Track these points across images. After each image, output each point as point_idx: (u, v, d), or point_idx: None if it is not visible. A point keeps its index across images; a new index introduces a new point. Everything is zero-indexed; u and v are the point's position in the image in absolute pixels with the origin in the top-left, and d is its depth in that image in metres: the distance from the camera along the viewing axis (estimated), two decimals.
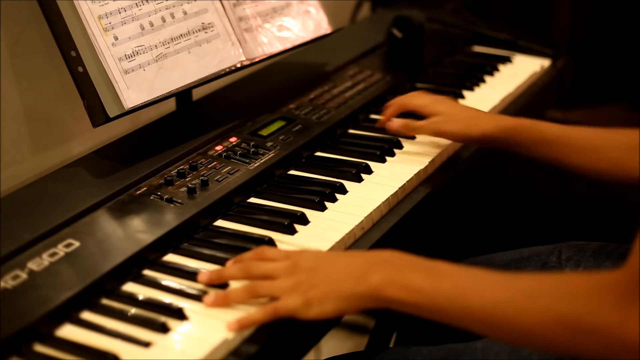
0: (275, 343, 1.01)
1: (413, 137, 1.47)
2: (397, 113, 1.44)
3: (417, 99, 1.41)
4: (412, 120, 1.40)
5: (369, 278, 0.97)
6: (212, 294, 1.02)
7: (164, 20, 1.37)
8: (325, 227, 1.19)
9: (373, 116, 1.58)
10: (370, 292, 0.97)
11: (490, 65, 1.80)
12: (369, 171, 1.36)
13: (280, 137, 1.40)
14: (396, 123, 1.40)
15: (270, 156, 1.34)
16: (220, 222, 1.21)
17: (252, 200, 1.28)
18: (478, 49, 1.94)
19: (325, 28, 1.63)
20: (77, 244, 1.09)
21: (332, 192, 1.28)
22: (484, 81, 1.75)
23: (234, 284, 1.05)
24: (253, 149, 1.35)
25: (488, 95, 1.68)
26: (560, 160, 1.29)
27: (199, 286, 1.05)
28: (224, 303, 1.01)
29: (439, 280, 0.95)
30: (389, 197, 1.28)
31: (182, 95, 1.46)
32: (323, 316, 0.99)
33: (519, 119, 1.34)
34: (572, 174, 1.33)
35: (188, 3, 1.40)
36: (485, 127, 1.32)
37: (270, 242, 1.14)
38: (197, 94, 1.51)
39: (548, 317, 0.87)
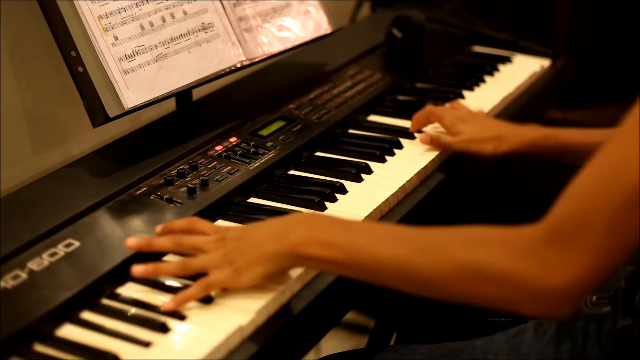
0: (275, 343, 1.01)
1: (413, 137, 1.47)
2: (426, 124, 1.48)
3: (445, 119, 1.44)
4: (441, 136, 1.43)
5: (289, 237, 1.00)
6: (143, 265, 1.04)
7: (164, 20, 1.37)
8: None
9: (373, 116, 1.58)
10: (291, 250, 1.00)
11: (490, 65, 1.80)
12: (369, 171, 1.36)
13: (280, 137, 1.40)
14: (426, 138, 1.43)
15: (270, 156, 1.34)
16: (220, 222, 1.21)
17: (252, 200, 1.28)
18: (478, 49, 1.94)
19: (325, 28, 1.63)
20: (77, 244, 1.09)
21: (332, 192, 1.28)
22: (484, 81, 1.75)
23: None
24: (253, 149, 1.35)
25: (488, 95, 1.68)
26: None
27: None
28: (153, 274, 1.04)
29: (355, 235, 0.97)
30: (389, 197, 1.28)
31: (182, 95, 1.46)
32: (253, 282, 1.02)
33: (542, 130, 1.36)
34: (572, 174, 1.33)
35: (188, 3, 1.40)
36: (511, 145, 1.36)
37: None
38: (197, 94, 1.51)
39: (454, 266, 0.89)
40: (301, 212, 1.05)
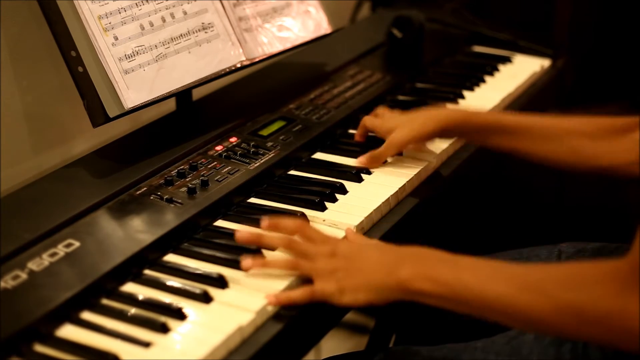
0: (275, 343, 1.01)
1: None
2: (366, 134, 1.44)
3: (371, 122, 1.41)
4: (373, 150, 1.37)
5: (399, 272, 1.02)
6: (251, 258, 1.08)
7: (164, 20, 1.37)
8: (326, 228, 1.19)
9: None
10: (399, 285, 1.02)
11: (490, 65, 1.80)
12: (369, 171, 1.36)
13: (280, 137, 1.40)
14: (362, 160, 1.37)
15: (270, 156, 1.34)
16: (220, 222, 1.21)
17: (252, 200, 1.28)
18: (478, 49, 1.93)
19: (325, 28, 1.63)
20: (77, 244, 1.09)
21: (332, 192, 1.27)
22: (484, 81, 1.75)
23: None
24: (253, 149, 1.35)
25: (488, 95, 1.68)
26: (518, 150, 1.31)
27: (200, 286, 1.05)
28: (261, 267, 1.08)
29: (461, 272, 1.00)
30: (389, 198, 1.28)
31: (182, 95, 1.46)
32: (354, 304, 1.05)
33: (475, 109, 1.37)
34: (572, 175, 1.33)
35: (188, 3, 1.40)
36: (439, 122, 1.34)
37: None
38: (197, 94, 1.51)
39: (556, 307, 0.92)
40: (410, 246, 1.08)
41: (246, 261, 1.08)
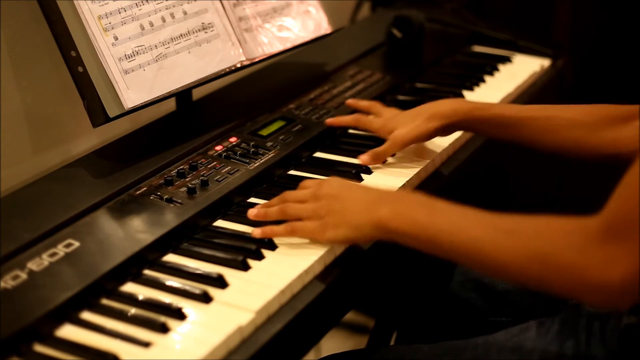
0: (275, 343, 1.01)
1: None
2: (349, 126, 1.46)
3: (373, 123, 1.42)
4: (376, 149, 1.37)
5: (379, 211, 1.07)
6: (256, 208, 1.19)
7: (164, 20, 1.37)
8: None
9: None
10: (378, 222, 1.07)
11: (490, 65, 1.80)
12: (368, 171, 1.36)
13: (280, 137, 1.40)
14: (364, 158, 1.36)
15: (270, 156, 1.34)
16: (220, 222, 1.21)
17: (252, 200, 1.28)
18: (478, 49, 1.94)
19: (325, 28, 1.63)
20: (77, 244, 1.09)
21: None
22: (483, 81, 1.75)
23: None
24: (253, 149, 1.35)
25: (488, 95, 1.68)
26: (522, 142, 1.33)
27: (199, 286, 1.05)
28: (263, 217, 1.18)
29: (436, 216, 1.04)
30: None
31: (182, 95, 1.46)
32: (336, 240, 1.12)
33: (474, 102, 1.38)
34: (573, 175, 1.33)
35: (188, 3, 1.40)
36: (445, 117, 1.35)
37: (270, 243, 1.14)
38: (197, 94, 1.51)
39: (521, 255, 0.95)
40: (391, 190, 1.19)
41: (251, 211, 1.18)
